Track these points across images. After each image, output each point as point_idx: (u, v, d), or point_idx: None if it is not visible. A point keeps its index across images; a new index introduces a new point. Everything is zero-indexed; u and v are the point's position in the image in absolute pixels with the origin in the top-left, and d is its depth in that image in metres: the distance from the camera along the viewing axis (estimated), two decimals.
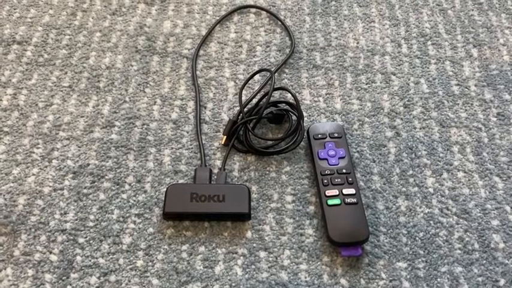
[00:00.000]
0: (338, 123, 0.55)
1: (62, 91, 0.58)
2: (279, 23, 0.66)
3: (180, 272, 0.45)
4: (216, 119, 0.57)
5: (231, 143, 0.54)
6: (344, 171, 0.50)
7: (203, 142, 0.54)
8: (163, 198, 0.49)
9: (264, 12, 0.67)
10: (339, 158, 0.51)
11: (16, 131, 0.54)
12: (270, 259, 0.47)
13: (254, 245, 0.47)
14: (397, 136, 0.56)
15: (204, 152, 0.53)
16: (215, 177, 0.51)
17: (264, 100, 0.53)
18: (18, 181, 0.50)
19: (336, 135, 0.53)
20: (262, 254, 0.47)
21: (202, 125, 0.56)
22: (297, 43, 0.64)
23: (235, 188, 0.49)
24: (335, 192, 0.48)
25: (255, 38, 0.65)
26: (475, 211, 0.50)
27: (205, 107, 0.57)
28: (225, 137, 0.54)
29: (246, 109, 0.55)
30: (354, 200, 0.48)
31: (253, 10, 0.68)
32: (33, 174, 0.51)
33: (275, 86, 0.54)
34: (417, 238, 0.48)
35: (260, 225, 0.49)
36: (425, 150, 0.55)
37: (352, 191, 0.48)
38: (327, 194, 0.48)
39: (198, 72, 0.60)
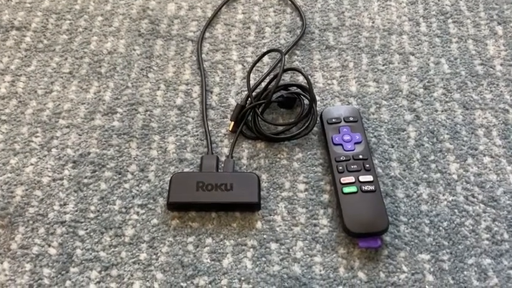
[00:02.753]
0: (353, 107, 0.51)
1: (62, 77, 0.55)
2: (289, 2, 0.63)
3: (185, 266, 0.42)
4: (223, 104, 0.53)
5: (239, 129, 0.51)
6: (360, 157, 0.46)
7: (209, 128, 0.51)
8: (167, 188, 0.46)
9: None
10: (355, 143, 0.48)
11: (14, 120, 0.52)
12: (282, 251, 0.43)
13: (265, 236, 0.44)
14: (417, 119, 0.52)
15: (210, 139, 0.50)
16: (222, 165, 0.48)
17: (274, 83, 0.50)
18: (16, 171, 0.48)
19: (351, 119, 0.49)
20: (274, 245, 0.44)
21: (208, 110, 0.53)
22: (309, 23, 0.60)
23: (244, 176, 0.46)
24: (351, 179, 0.45)
25: (263, 19, 0.61)
26: (503, 198, 0.46)
27: (211, 92, 0.54)
28: (233, 122, 0.51)
29: (254, 93, 0.52)
30: (372, 188, 0.44)
31: None
32: (32, 164, 0.48)
33: (285, 67, 0.51)
34: (441, 228, 0.45)
35: (271, 215, 0.46)
36: (447, 134, 0.51)
37: (369, 178, 0.45)
38: (343, 182, 0.45)
39: (203, 56, 0.57)
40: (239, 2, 0.63)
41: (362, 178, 0.45)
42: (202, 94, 0.53)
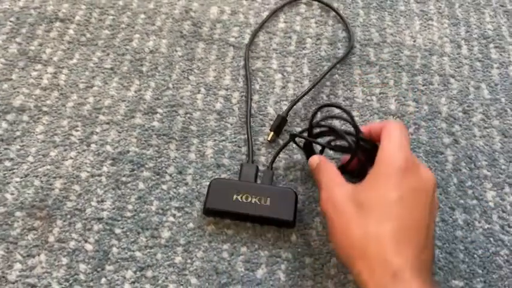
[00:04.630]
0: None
1: (103, 73, 0.55)
2: (331, 14, 0.63)
3: (220, 273, 0.43)
4: (261, 113, 0.54)
5: (286, 142, 0.49)
6: None
7: (246, 135, 0.51)
8: (204, 192, 0.47)
9: (316, 2, 0.64)
10: None
11: (55, 112, 0.52)
12: (316, 266, 0.43)
13: (299, 249, 0.44)
14: (455, 143, 0.52)
15: (252, 147, 0.50)
16: (261, 175, 0.48)
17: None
18: (56, 164, 0.48)
19: None
20: (308, 260, 0.44)
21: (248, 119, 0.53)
22: (350, 37, 0.60)
23: (282, 191, 0.46)
24: None
25: (305, 29, 0.61)
26: None
27: (250, 99, 0.54)
28: (272, 133, 0.51)
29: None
30: None
31: (304, 0, 0.64)
32: (71, 158, 0.49)
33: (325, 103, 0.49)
34: (475, 255, 0.45)
35: (306, 229, 0.46)
36: (485, 160, 0.51)
37: None
38: None
39: (244, 62, 0.57)
40: (281, 10, 0.63)
41: None
42: (247, 102, 0.53)
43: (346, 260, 0.36)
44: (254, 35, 0.59)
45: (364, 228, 0.34)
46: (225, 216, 0.46)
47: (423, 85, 0.57)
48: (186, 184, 0.48)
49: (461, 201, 0.48)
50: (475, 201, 0.48)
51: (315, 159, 0.43)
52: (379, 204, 0.35)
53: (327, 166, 0.41)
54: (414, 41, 0.61)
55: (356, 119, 0.53)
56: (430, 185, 0.37)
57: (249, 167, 0.48)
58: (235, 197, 0.45)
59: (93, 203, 0.46)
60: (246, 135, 0.51)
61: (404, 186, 0.35)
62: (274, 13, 0.62)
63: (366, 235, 0.34)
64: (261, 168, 0.49)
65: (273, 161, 0.49)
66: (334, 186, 0.39)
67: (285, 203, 0.45)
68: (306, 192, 0.48)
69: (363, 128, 0.43)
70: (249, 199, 0.45)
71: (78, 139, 0.50)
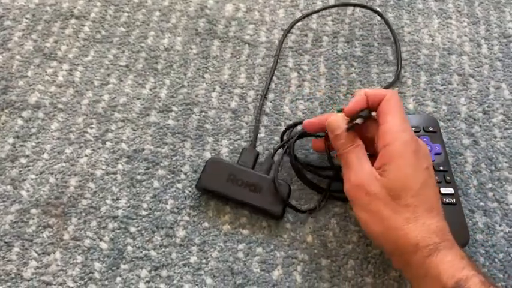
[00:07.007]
0: (432, 116, 0.51)
1: (118, 70, 0.55)
2: (348, 13, 0.62)
3: (235, 273, 0.42)
4: (277, 112, 0.53)
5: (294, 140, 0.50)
6: (441, 168, 0.46)
7: (263, 135, 0.51)
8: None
9: (333, 2, 0.63)
10: (435, 154, 0.47)
11: (70, 109, 0.52)
12: (333, 268, 0.43)
13: (315, 251, 0.44)
14: (475, 144, 0.51)
15: (258, 130, 0.49)
16: (261, 162, 0.47)
17: None
18: (71, 161, 0.48)
19: (430, 129, 0.49)
20: (324, 262, 0.43)
21: (262, 116, 0.52)
22: (367, 35, 0.59)
23: (276, 182, 0.45)
24: None
25: (321, 27, 0.60)
26: None
27: (266, 98, 0.54)
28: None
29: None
30: (453, 200, 0.44)
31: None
32: (86, 155, 0.49)
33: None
34: (496, 260, 0.44)
35: (322, 230, 0.45)
36: (506, 162, 0.50)
37: (450, 190, 0.45)
38: None
39: (259, 60, 0.57)
40: (297, 8, 0.62)
41: (443, 190, 0.44)
42: (264, 88, 0.53)
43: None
44: (285, 34, 0.58)
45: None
46: (217, 196, 0.45)
47: (442, 85, 0.56)
48: None
49: (482, 203, 0.47)
50: (495, 204, 0.47)
51: (340, 125, 0.39)
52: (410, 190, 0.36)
53: (357, 142, 0.39)
54: (433, 40, 0.60)
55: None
56: (429, 156, 0.39)
57: (250, 152, 0.47)
58: (228, 179, 0.44)
59: (108, 201, 0.46)
60: (256, 130, 0.50)
61: (421, 165, 0.37)
62: (309, 15, 0.61)
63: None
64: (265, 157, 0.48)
65: (276, 150, 0.48)
66: (363, 170, 0.38)
67: (276, 195, 0.44)
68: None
69: (360, 96, 0.41)
70: (242, 185, 0.44)
71: (93, 136, 0.50)
